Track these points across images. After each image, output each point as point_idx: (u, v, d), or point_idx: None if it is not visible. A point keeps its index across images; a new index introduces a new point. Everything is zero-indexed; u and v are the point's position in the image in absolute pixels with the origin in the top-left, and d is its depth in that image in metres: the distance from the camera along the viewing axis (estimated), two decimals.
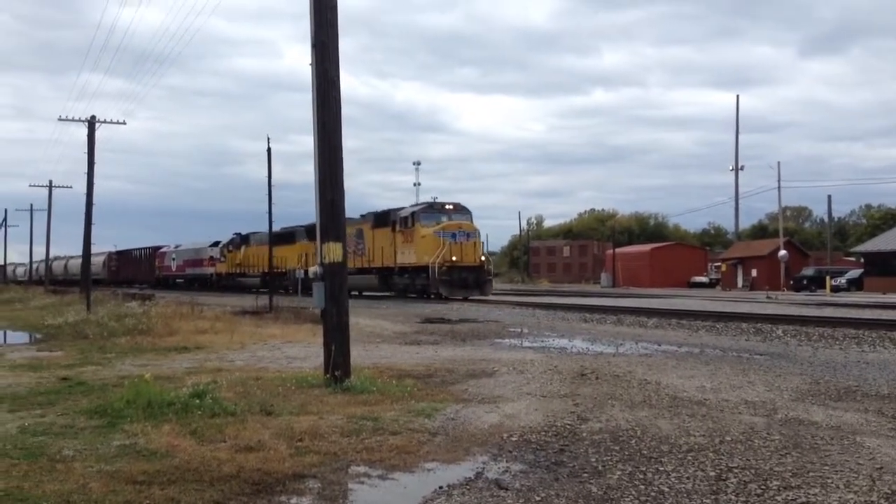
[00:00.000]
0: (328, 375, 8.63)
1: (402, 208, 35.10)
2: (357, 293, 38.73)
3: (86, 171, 29.94)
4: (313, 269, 9.26)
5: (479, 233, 33.60)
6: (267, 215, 27.60)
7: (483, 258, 32.86)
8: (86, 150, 30.26)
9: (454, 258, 31.07)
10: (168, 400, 7.33)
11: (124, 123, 34.66)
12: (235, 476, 5.10)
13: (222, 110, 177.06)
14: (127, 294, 36.55)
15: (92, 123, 31.01)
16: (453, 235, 31.70)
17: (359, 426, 6.50)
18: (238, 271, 49.94)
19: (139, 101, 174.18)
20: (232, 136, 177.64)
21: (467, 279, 31.51)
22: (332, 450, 5.75)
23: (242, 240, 50.68)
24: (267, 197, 27.04)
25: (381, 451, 5.73)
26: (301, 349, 13.07)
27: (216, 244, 54.86)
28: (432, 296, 32.02)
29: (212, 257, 54.88)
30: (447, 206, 33.72)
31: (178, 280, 61.07)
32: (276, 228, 46.11)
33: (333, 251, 8.85)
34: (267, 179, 26.96)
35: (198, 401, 7.30)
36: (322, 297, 8.87)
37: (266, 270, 41.80)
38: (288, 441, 5.99)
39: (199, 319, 19.29)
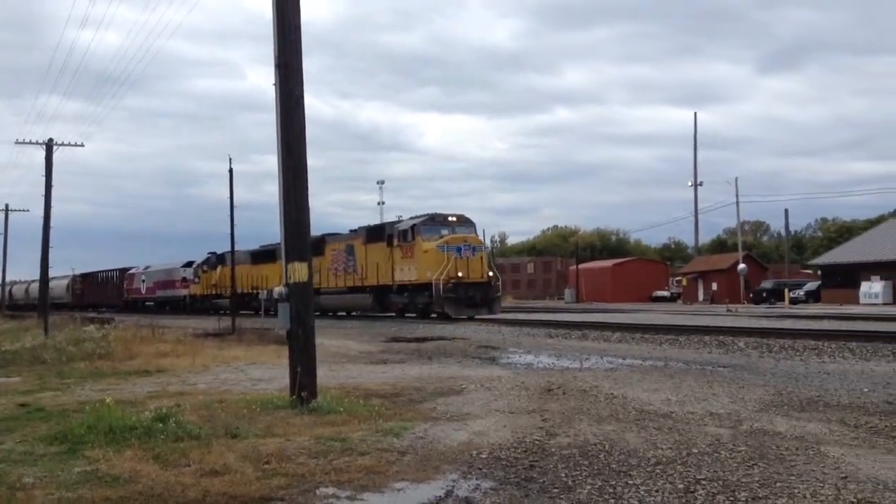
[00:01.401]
0: (294, 397, 8.53)
1: (400, 221, 32.96)
2: (344, 314, 37.14)
3: (43, 193, 29.51)
4: (278, 290, 9.17)
5: (485, 246, 31.54)
6: (232, 236, 27.27)
7: (491, 273, 30.17)
8: (43, 174, 29.85)
9: (460, 274, 28.55)
10: (130, 424, 7.20)
11: (83, 146, 34.22)
12: (201, 501, 5.01)
13: (184, 131, 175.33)
14: (86, 318, 35.86)
15: (49, 146, 30.66)
16: (458, 249, 29.17)
17: (326, 447, 6.43)
18: (214, 292, 47.41)
19: (98, 123, 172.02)
20: (194, 157, 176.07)
21: (475, 297, 28.88)
22: (299, 472, 5.68)
23: (218, 259, 48.02)
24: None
25: (349, 471, 5.67)
26: (266, 371, 12.92)
27: (189, 264, 52.54)
28: (435, 315, 29.68)
29: (184, 278, 52.68)
30: (450, 218, 31.12)
31: (147, 303, 58.94)
32: (255, 247, 44.35)
33: (299, 271, 8.78)
34: (229, 200, 26.70)
35: (161, 425, 7.17)
36: (287, 317, 8.79)
37: (246, 291, 40.61)
38: (254, 464, 5.90)
39: (160, 342, 18.99)
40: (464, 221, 31.30)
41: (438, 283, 28.01)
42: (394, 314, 32.64)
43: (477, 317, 28.75)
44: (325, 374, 11.06)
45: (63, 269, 71.55)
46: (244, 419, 7.80)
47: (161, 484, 5.39)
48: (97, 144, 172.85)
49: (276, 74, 8.91)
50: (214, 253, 49.43)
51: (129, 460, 6.09)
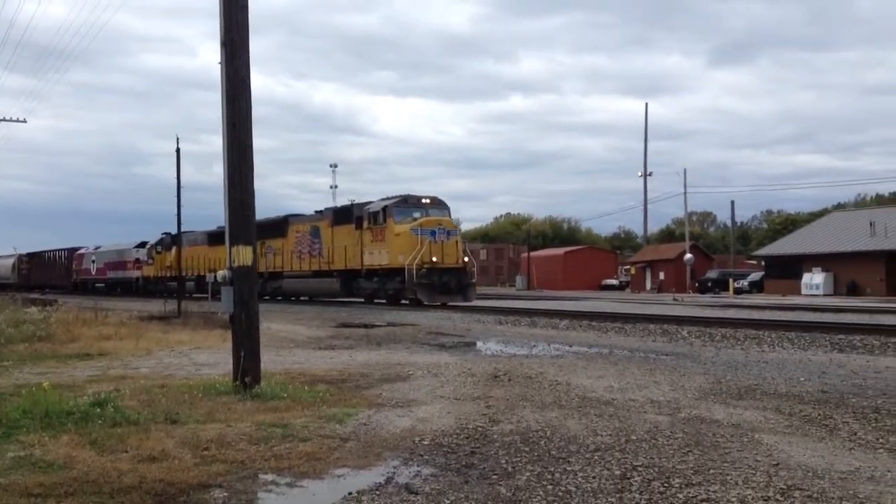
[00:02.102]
0: (237, 382, 8.44)
1: (370, 202, 31.06)
2: (307, 298, 35.93)
3: None
4: (221, 273, 9.04)
5: (460, 230, 30.18)
6: (179, 216, 26.86)
7: (466, 259, 28.83)
8: None
9: (434, 259, 27.28)
10: (67, 409, 7.04)
11: (24, 122, 33.39)
12: (137, 487, 4.92)
13: (131, 108, 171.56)
14: (27, 299, 34.98)
15: None
16: (432, 233, 27.86)
17: (268, 433, 6.37)
18: (168, 275, 44.75)
19: (41, 99, 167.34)
20: (141, 135, 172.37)
21: (449, 283, 27.70)
22: (239, 458, 5.62)
23: (174, 240, 44.84)
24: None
25: (290, 458, 5.64)
26: (210, 355, 12.76)
27: (143, 245, 50.28)
28: (407, 301, 28.73)
29: (137, 259, 50.52)
30: (423, 200, 29.72)
31: (98, 284, 56.56)
32: (212, 227, 41.63)
33: (243, 254, 8.67)
34: (177, 180, 26.28)
35: (99, 410, 7.04)
36: (230, 301, 8.68)
37: (202, 273, 39.12)
38: (193, 450, 5.82)
39: (103, 325, 18.62)
40: (437, 203, 30.00)
41: (412, 268, 26.85)
42: (362, 300, 31.57)
43: (450, 304, 27.61)
44: (271, 360, 10.97)
45: (5, 248, 69.53)
46: (185, 404, 7.69)
47: (97, 470, 5.29)
48: (40, 120, 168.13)
49: (221, 53, 8.75)
50: (169, 233, 46.52)
51: (64, 446, 5.96)
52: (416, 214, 28.82)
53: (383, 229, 28.98)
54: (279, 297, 36.76)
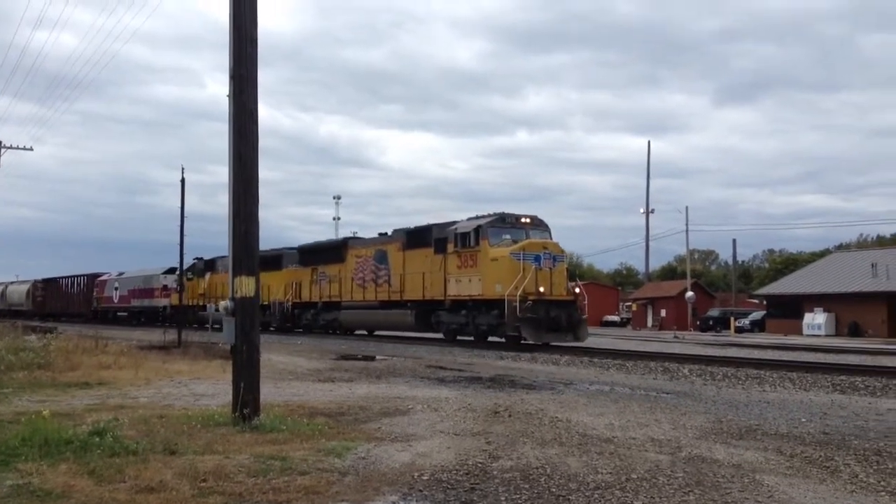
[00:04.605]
0: (236, 414, 8.41)
1: (454, 222, 26.40)
2: (366, 332, 33.35)
3: None
4: (223, 304, 9.04)
5: (567, 256, 25.67)
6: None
7: (578, 290, 24.63)
8: None
9: (541, 289, 22.97)
10: (66, 438, 7.03)
11: (31, 149, 33.57)
12: None
13: (139, 138, 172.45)
14: (28, 326, 34.85)
15: None
16: (536, 258, 23.44)
17: (266, 466, 6.34)
18: (201, 303, 41.64)
19: (49, 127, 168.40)
20: (149, 164, 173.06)
21: (559, 318, 22.95)
22: (237, 490, 5.60)
23: (207, 265, 43.55)
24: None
25: (288, 491, 5.61)
26: (209, 386, 12.72)
27: (172, 271, 45.43)
28: (503, 340, 24.33)
29: (165, 286, 46.80)
30: (523, 220, 25.25)
31: (120, 313, 53.51)
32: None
33: (246, 285, 8.68)
34: (180, 210, 26.38)
35: (97, 439, 7.03)
36: (232, 332, 8.67)
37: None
38: (191, 481, 5.79)
39: (103, 354, 18.56)
40: (538, 224, 25.59)
41: (514, 300, 22.44)
42: (442, 336, 27.17)
43: (556, 343, 23.27)
44: (270, 391, 10.94)
45: (6, 275, 68.86)
46: (184, 435, 7.67)
47: (94, 499, 5.27)
48: (47, 148, 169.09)
49: (230, 86, 8.86)
50: (202, 258, 45.13)
51: (63, 474, 5.95)
52: (515, 236, 24.70)
53: (475, 253, 24.67)
54: (336, 331, 33.92)
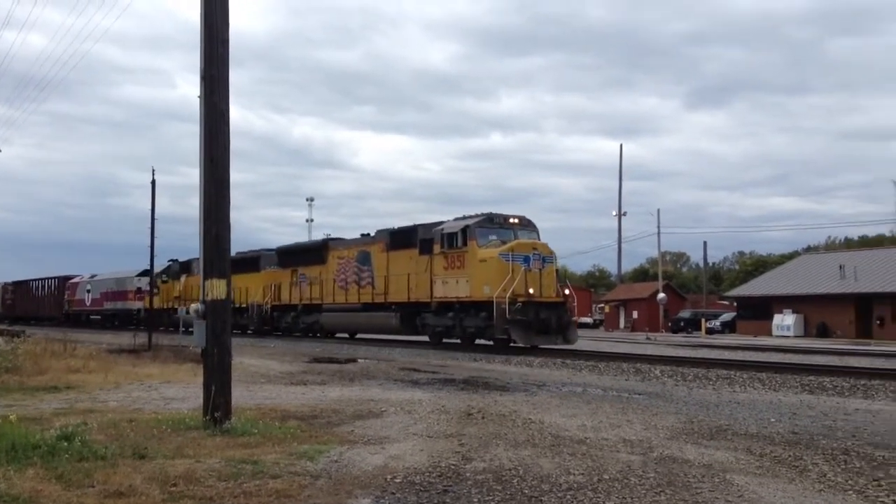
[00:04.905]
0: (207, 417, 8.34)
1: (441, 223, 25.86)
2: (348, 336, 32.65)
3: None
4: (194, 307, 8.96)
5: (556, 257, 24.83)
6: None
7: (567, 292, 24.28)
8: None
9: (531, 291, 22.54)
10: (33, 442, 6.91)
11: None
12: None
13: (110, 139, 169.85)
14: None
15: None
16: (525, 259, 23.01)
17: (237, 470, 6.29)
18: (177, 306, 40.56)
19: (18, 128, 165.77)
20: (119, 166, 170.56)
21: (548, 320, 22.59)
22: (207, 494, 5.54)
23: (182, 268, 42.44)
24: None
25: (259, 495, 5.56)
26: (180, 389, 12.60)
27: (146, 273, 43.01)
28: (491, 343, 24.17)
29: (139, 289, 45.31)
30: (511, 220, 24.75)
31: (93, 316, 52.71)
32: (231, 253, 40.48)
33: (217, 287, 8.61)
34: (151, 212, 26.15)
35: (66, 443, 6.92)
36: (203, 335, 8.60)
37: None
38: (161, 486, 5.73)
39: (72, 358, 18.33)
40: (526, 224, 25.13)
41: (503, 302, 22.00)
42: (428, 339, 26.67)
43: (546, 346, 22.83)
44: (242, 395, 10.86)
45: None
46: (154, 439, 7.59)
47: None
48: (15, 149, 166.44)
49: (201, 87, 8.79)
50: (176, 260, 44.21)
51: (30, 480, 5.85)
52: (503, 237, 24.16)
53: (462, 254, 24.10)
54: (317, 334, 33.22)
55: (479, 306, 23.28)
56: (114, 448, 6.98)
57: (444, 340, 25.83)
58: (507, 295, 21.94)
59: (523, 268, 22.75)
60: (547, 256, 23.86)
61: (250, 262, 36.68)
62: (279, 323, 35.56)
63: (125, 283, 49.09)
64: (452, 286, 24.38)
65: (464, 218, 25.21)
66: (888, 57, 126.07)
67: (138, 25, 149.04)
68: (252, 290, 36.10)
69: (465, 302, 23.98)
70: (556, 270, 24.62)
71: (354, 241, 31.22)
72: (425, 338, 26.88)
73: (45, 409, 10.00)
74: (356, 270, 29.48)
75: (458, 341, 25.10)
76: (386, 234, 28.55)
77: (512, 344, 23.31)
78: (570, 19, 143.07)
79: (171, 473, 6.09)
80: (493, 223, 24.50)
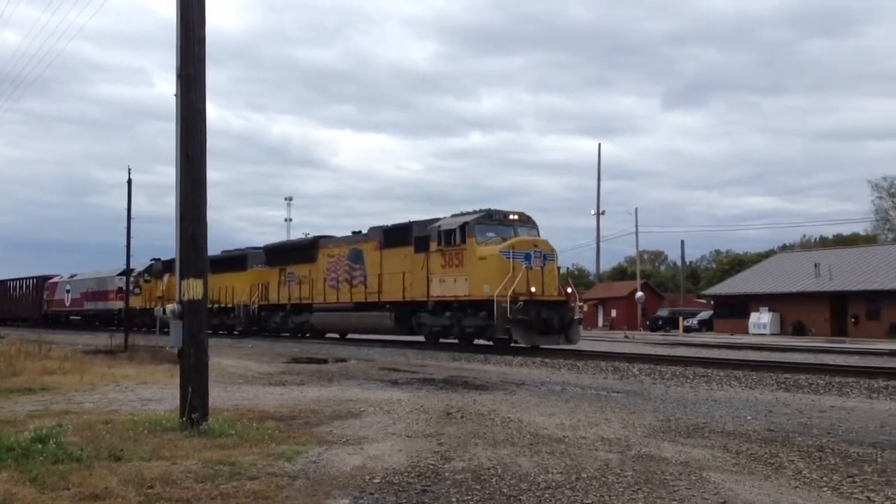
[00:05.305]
0: (184, 418, 8.28)
1: (437, 219, 25.23)
2: (338, 336, 31.96)
3: None
4: (170, 307, 8.89)
5: (557, 255, 24.03)
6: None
7: (570, 290, 23.53)
8: None
9: (533, 289, 21.89)
10: (7, 445, 6.86)
11: None
12: None
13: (86, 138, 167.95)
14: None
15: None
16: (527, 257, 22.45)
17: (214, 471, 6.25)
18: (159, 306, 37.80)
19: None
20: (96, 164, 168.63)
21: (550, 320, 22.08)
22: (184, 496, 5.50)
23: (165, 267, 40.95)
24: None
25: (237, 496, 5.53)
26: (157, 390, 12.50)
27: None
28: (490, 343, 23.56)
29: (121, 288, 42.29)
30: (511, 216, 24.21)
31: (73, 317, 51.86)
32: (217, 252, 37.25)
33: (194, 288, 8.55)
34: (127, 211, 25.94)
35: (40, 446, 6.86)
36: (179, 335, 8.54)
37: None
38: (137, 488, 5.68)
39: (47, 359, 18.13)
40: (526, 220, 24.56)
41: (503, 301, 21.39)
42: (423, 339, 26.05)
43: (547, 346, 22.09)
44: (220, 396, 10.80)
45: None
46: (130, 441, 7.52)
47: None
48: None
49: (177, 85, 8.72)
50: (159, 259, 43.17)
51: (4, 482, 5.80)
52: (503, 234, 23.58)
53: (460, 252, 23.48)
54: (306, 335, 32.54)
55: (479, 305, 22.74)
56: (89, 450, 6.92)
57: (441, 340, 25.29)
58: (509, 294, 21.39)
59: (524, 266, 22.21)
60: (548, 254, 23.32)
61: (237, 260, 36.10)
62: (267, 323, 34.84)
63: (106, 283, 48.24)
64: (450, 285, 23.85)
65: (461, 214, 24.62)
66: (860, 58, 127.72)
67: (115, 23, 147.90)
68: (238, 289, 35.51)
69: (463, 301, 23.42)
70: (558, 268, 23.99)
71: (346, 238, 30.64)
72: (418, 338, 26.40)
73: (20, 412, 9.89)
74: (348, 269, 28.95)
75: (456, 341, 24.50)
76: (379, 231, 27.96)
77: (513, 344, 22.83)
78: (550, 18, 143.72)
79: (148, 475, 6.04)
80: (493, 220, 23.94)
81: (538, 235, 24.22)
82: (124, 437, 7.69)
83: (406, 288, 25.47)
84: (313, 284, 30.93)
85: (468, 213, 24.39)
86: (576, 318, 23.25)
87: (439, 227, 24.51)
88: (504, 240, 23.10)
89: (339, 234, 32.35)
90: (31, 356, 18.62)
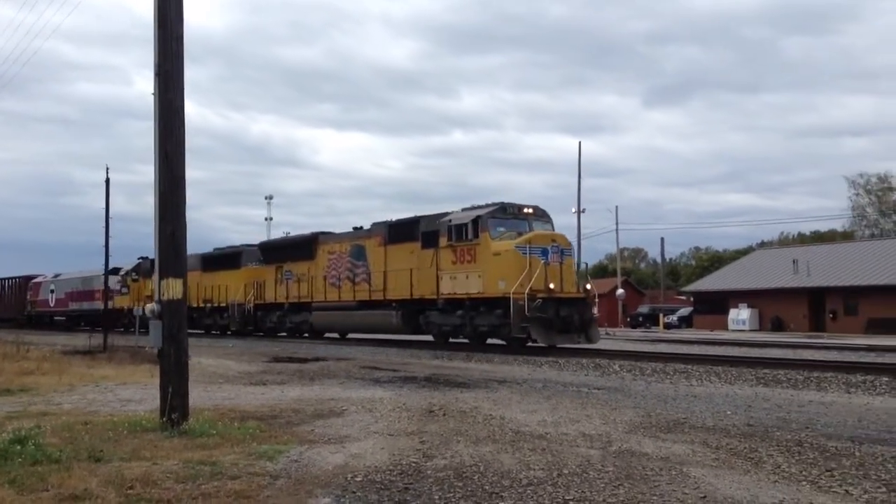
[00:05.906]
0: (164, 419, 8.23)
1: (446, 214, 23.95)
2: (338, 336, 30.85)
3: None
4: (150, 307, 8.83)
5: (574, 250, 23.36)
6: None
7: (588, 286, 22.47)
8: None
9: (551, 286, 20.84)
10: None
11: None
12: None
13: (64, 137, 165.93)
14: None
15: None
16: (544, 252, 21.23)
17: (195, 471, 6.22)
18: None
19: None
20: (74, 164, 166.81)
21: (570, 318, 20.90)
22: (165, 497, 5.47)
23: (153, 266, 40.30)
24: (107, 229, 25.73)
25: (218, 496, 5.51)
26: (137, 391, 12.41)
27: (115, 271, 41.47)
28: (510, 343, 22.09)
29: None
30: (525, 210, 22.87)
31: (58, 317, 50.75)
32: (209, 250, 36.93)
33: (173, 287, 8.50)
34: (105, 210, 25.72)
35: (18, 447, 6.80)
36: (159, 335, 8.49)
37: (195, 304, 34.47)
38: (117, 489, 5.64)
39: (25, 360, 17.97)
40: (541, 214, 23.26)
41: (521, 299, 20.23)
42: (432, 338, 25.07)
43: (566, 345, 21.09)
44: (200, 396, 10.74)
45: None
46: (109, 442, 7.47)
47: None
48: None
49: (155, 83, 8.66)
50: (148, 258, 41.37)
51: None
52: (517, 228, 22.38)
53: (473, 247, 22.28)
54: (306, 334, 31.34)
55: (493, 303, 21.58)
56: (69, 451, 6.87)
57: (451, 340, 24.32)
58: (526, 291, 20.25)
59: (542, 261, 21.07)
60: (566, 249, 22.25)
61: (230, 258, 35.25)
62: (263, 323, 33.67)
63: (92, 283, 46.50)
64: (462, 282, 22.63)
65: (473, 208, 23.44)
66: (839, 56, 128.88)
67: (92, 21, 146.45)
68: (232, 288, 34.57)
69: (476, 299, 22.22)
70: (573, 264, 23.02)
71: (347, 234, 29.39)
72: (429, 337, 25.49)
73: None
74: (349, 266, 27.89)
75: (467, 341, 23.57)
76: (383, 226, 26.81)
77: (530, 343, 21.87)
78: (532, 17, 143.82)
79: (128, 476, 6.00)
80: (507, 213, 22.66)
81: (553, 229, 23.23)
82: (104, 438, 7.63)
83: (413, 285, 24.46)
84: (312, 282, 30.00)
85: (480, 207, 23.26)
86: (595, 316, 22.18)
87: (450, 221, 23.33)
88: (519, 234, 22.04)
89: (338, 230, 31.25)
90: (8, 357, 18.44)
